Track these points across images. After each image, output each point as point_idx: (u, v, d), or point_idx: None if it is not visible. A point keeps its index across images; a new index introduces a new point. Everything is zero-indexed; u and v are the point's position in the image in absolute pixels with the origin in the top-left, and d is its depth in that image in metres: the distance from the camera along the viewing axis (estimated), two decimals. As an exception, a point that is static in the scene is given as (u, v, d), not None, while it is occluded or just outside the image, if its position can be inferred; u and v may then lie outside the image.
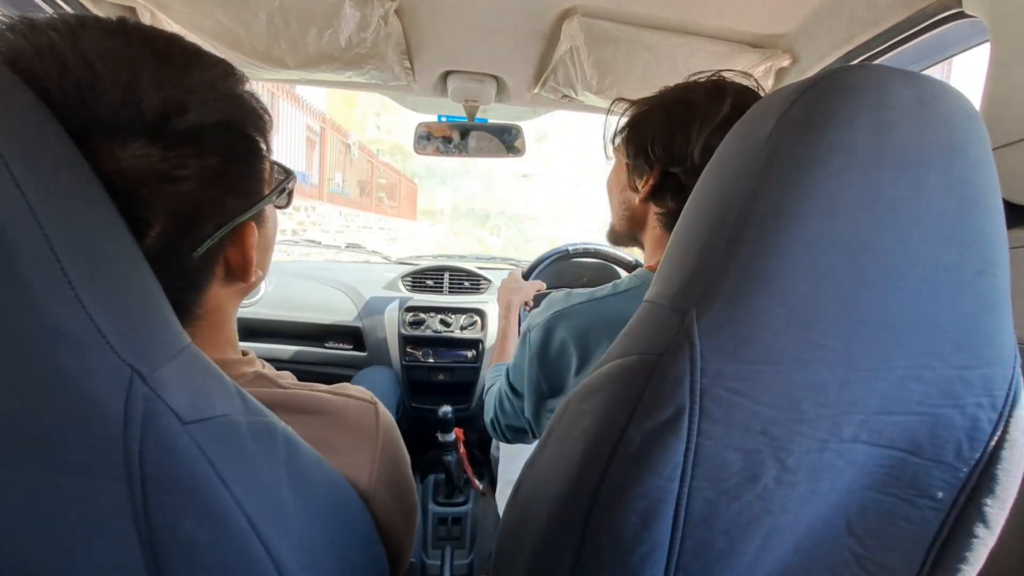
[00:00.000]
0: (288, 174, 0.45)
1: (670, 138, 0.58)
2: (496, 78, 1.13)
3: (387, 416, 0.48)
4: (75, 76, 0.30)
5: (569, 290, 0.66)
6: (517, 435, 0.81)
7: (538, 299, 1.13)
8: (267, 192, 0.42)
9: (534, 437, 0.76)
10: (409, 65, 1.04)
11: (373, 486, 0.43)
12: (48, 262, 0.24)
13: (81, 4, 0.82)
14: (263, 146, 0.41)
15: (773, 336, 0.30)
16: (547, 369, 0.65)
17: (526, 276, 1.34)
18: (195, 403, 0.29)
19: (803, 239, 0.29)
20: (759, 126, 0.31)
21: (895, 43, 0.76)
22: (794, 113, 0.30)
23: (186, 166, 0.34)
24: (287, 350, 1.56)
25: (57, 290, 0.24)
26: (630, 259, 1.47)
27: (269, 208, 0.44)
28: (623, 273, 1.47)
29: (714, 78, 0.61)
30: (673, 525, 0.31)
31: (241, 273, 0.41)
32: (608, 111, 0.68)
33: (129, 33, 0.33)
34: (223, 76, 0.37)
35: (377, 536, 0.44)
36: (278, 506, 0.32)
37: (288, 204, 0.47)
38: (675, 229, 0.35)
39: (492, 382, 0.87)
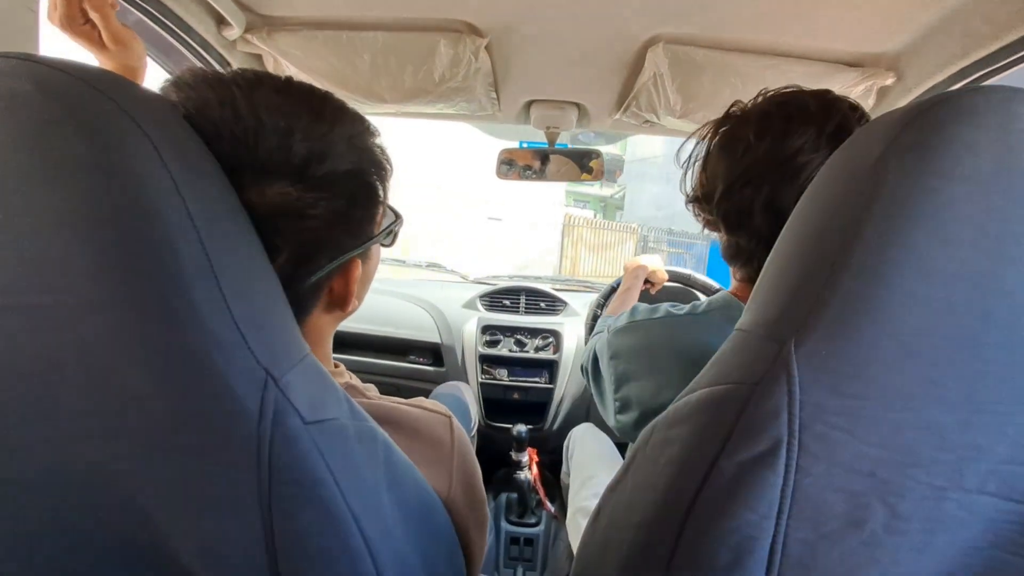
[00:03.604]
0: (396, 217, 0.49)
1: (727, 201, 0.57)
2: (578, 105, 1.16)
3: (460, 429, 0.50)
4: (244, 124, 0.36)
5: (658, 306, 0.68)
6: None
7: (659, 293, 1.19)
8: (376, 232, 0.46)
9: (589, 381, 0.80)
10: (495, 96, 1.10)
11: (452, 496, 0.45)
12: (209, 280, 0.28)
13: (220, 55, 0.95)
14: (381, 193, 0.45)
15: (881, 371, 0.28)
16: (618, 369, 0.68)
17: (604, 299, 1.33)
18: (314, 406, 0.32)
19: (916, 270, 0.27)
20: (865, 151, 0.30)
21: (1016, 60, 0.69)
22: (905, 138, 0.28)
23: (317, 206, 0.38)
24: (373, 363, 1.65)
25: (213, 301, 0.28)
26: (716, 285, 1.41)
27: (375, 246, 0.48)
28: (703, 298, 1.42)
29: (786, 96, 0.56)
30: (768, 565, 0.30)
31: (341, 302, 0.45)
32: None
33: (292, 90, 0.39)
34: (360, 131, 0.42)
35: (459, 546, 0.46)
36: (378, 506, 0.34)
37: (392, 243, 0.51)
38: (771, 256, 0.35)
39: (600, 330, 0.85)
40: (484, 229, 8.98)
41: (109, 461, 0.30)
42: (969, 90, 0.29)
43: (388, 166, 0.46)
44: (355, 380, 0.49)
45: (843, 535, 0.30)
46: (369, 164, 0.43)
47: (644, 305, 0.70)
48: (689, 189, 0.64)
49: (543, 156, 1.34)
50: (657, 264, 1.17)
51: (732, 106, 0.60)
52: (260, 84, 0.38)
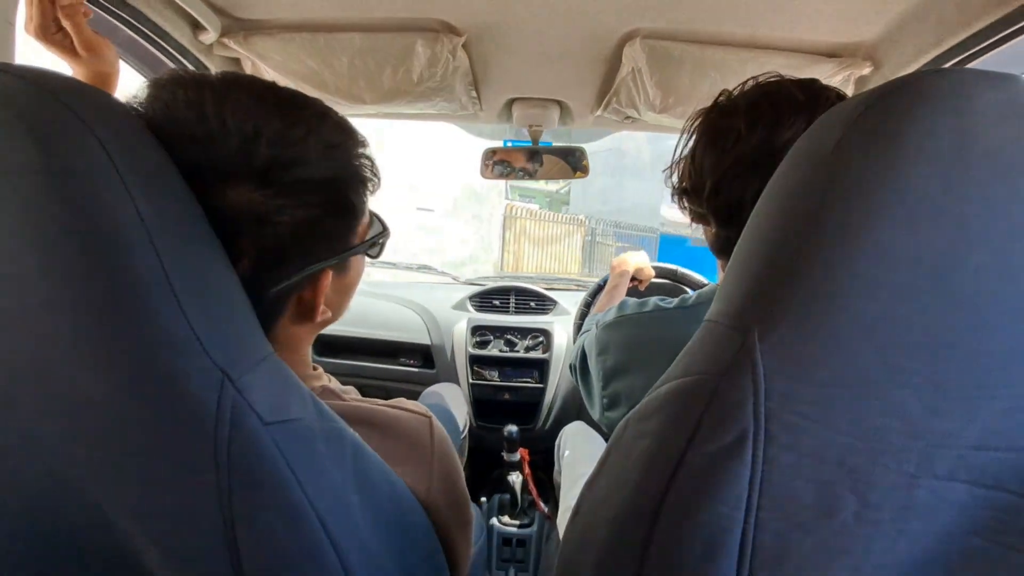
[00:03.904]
0: (384, 229, 0.48)
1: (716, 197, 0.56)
2: (559, 103, 1.15)
3: (441, 430, 0.49)
4: (207, 126, 0.35)
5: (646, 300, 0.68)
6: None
7: (647, 289, 1.18)
8: (356, 243, 0.44)
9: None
10: (476, 95, 1.10)
11: (431, 497, 0.44)
12: (160, 281, 0.28)
13: (197, 59, 0.94)
14: (360, 205, 0.43)
15: (846, 358, 0.28)
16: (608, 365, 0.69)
17: (591, 298, 1.33)
18: (275, 406, 0.31)
19: (878, 255, 0.27)
20: (825, 137, 0.30)
21: (989, 45, 0.70)
22: (863, 123, 0.28)
23: (283, 213, 0.37)
24: (362, 366, 1.64)
25: (165, 301, 0.28)
26: (703, 280, 1.41)
27: (356, 257, 0.47)
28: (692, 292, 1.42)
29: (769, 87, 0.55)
30: (739, 558, 0.29)
31: (309, 313, 0.43)
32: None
33: (268, 94, 0.38)
34: (341, 140, 0.41)
35: (439, 547, 0.46)
36: (345, 507, 0.34)
37: (379, 255, 0.50)
38: (736, 245, 0.34)
39: (588, 328, 0.84)
40: (412, 220, 7.45)
41: (68, 465, 0.29)
42: (926, 73, 0.28)
43: (373, 178, 0.44)
44: (333, 383, 0.48)
45: (815, 525, 0.29)
46: (349, 175, 0.41)
47: (633, 300, 0.70)
48: (675, 181, 0.62)
49: (532, 155, 1.33)
50: (644, 261, 1.16)
51: (720, 95, 0.58)
52: (236, 87, 0.37)
